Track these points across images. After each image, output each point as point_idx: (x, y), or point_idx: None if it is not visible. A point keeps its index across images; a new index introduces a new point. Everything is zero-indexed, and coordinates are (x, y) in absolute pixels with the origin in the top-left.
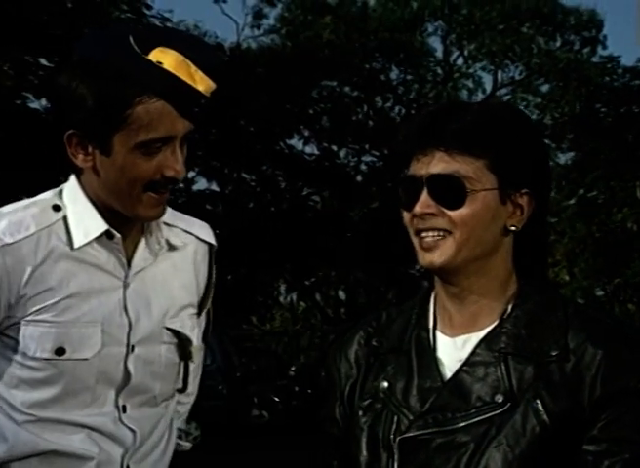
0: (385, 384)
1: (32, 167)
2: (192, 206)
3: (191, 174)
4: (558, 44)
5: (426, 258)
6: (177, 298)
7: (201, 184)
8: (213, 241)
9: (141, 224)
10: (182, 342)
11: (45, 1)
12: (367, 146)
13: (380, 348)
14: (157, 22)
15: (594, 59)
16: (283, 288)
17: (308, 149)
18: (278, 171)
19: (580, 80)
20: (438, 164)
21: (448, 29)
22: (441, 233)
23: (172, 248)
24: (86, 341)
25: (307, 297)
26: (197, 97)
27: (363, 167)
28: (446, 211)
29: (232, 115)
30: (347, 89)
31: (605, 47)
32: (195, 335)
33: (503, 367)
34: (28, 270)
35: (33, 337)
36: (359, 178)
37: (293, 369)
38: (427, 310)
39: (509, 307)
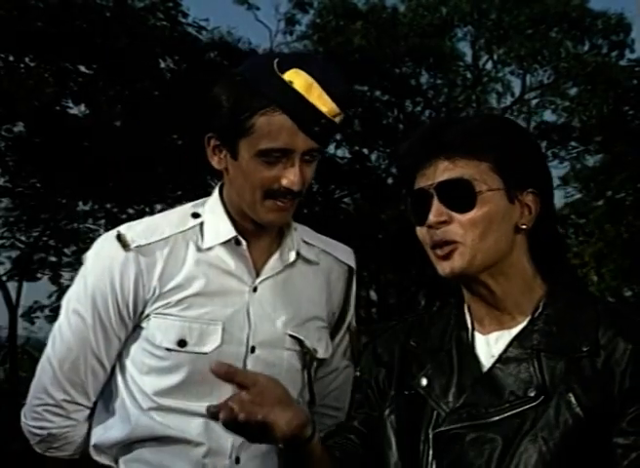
0: (425, 381)
1: (71, 169)
2: None
3: None
4: (586, 48)
5: (445, 267)
6: (303, 309)
7: None
8: (352, 264)
9: (277, 237)
10: (306, 351)
11: (84, 11)
12: None
13: (418, 349)
14: (192, 31)
15: (622, 63)
16: None
17: (340, 153)
18: None
19: (607, 83)
20: (443, 172)
21: (477, 34)
22: (453, 246)
23: (305, 261)
24: (206, 337)
25: None
26: (317, 116)
27: (394, 169)
28: (457, 216)
29: None
30: (378, 93)
31: (633, 50)
32: (322, 347)
33: (536, 362)
34: (159, 269)
35: (160, 328)
36: (390, 181)
37: None
38: (464, 311)
39: (540, 306)
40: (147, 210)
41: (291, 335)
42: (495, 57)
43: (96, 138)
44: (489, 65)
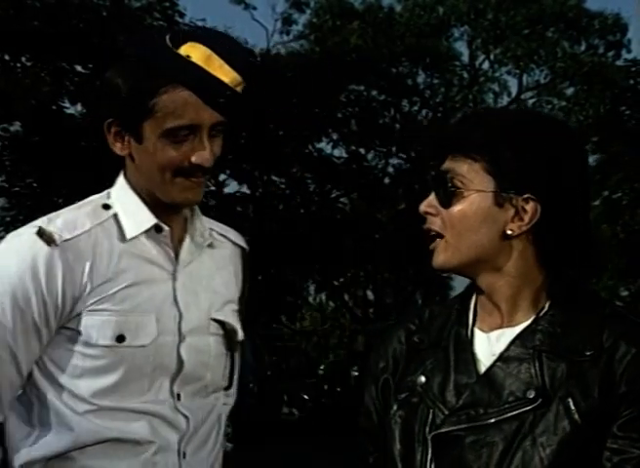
0: (423, 379)
1: (67, 168)
2: (223, 208)
3: (222, 177)
4: (583, 48)
5: (432, 260)
6: (219, 293)
7: (232, 187)
8: (245, 246)
9: (184, 220)
10: (229, 334)
11: (81, 10)
12: (394, 149)
13: (421, 344)
14: None
15: (619, 63)
16: (312, 288)
17: (337, 152)
18: (307, 173)
19: (604, 83)
20: (442, 164)
21: (474, 34)
22: (438, 240)
23: (211, 245)
24: (143, 329)
25: (336, 297)
26: (220, 87)
27: (390, 169)
28: (441, 209)
29: (262, 119)
30: (375, 93)
31: (629, 50)
32: (239, 330)
33: (537, 363)
34: (87, 264)
35: (94, 326)
36: (386, 181)
37: (322, 367)
38: (468, 307)
39: (546, 306)
40: None
41: (215, 320)
42: (491, 56)
43: (92, 138)
44: (485, 65)
